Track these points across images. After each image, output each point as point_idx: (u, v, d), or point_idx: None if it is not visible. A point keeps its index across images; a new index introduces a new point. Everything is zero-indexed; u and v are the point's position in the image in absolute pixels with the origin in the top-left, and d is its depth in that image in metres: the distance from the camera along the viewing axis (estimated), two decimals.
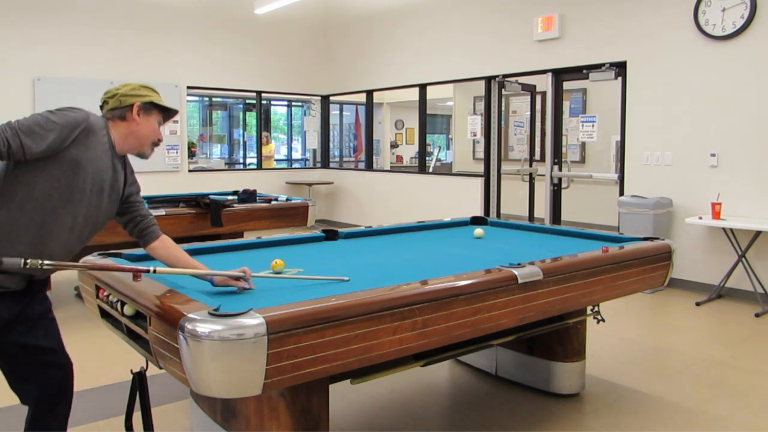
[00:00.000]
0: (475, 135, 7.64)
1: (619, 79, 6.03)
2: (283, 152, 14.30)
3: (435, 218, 4.21)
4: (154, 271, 2.02)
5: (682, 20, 5.52)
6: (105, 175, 2.04)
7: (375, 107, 9.89)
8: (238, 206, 4.87)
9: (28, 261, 1.80)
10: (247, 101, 13.12)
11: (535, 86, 7.23)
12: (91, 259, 2.44)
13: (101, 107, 2.13)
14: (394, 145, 15.02)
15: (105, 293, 2.18)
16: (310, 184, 9.50)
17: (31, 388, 2.07)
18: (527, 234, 3.61)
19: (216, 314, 1.64)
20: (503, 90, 7.21)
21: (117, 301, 2.07)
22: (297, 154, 14.23)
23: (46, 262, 1.84)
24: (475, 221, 3.97)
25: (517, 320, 2.36)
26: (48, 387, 2.09)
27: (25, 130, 1.80)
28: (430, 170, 11.00)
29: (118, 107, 2.09)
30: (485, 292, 2.18)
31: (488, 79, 7.31)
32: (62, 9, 7.40)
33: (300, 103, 13.48)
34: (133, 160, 2.20)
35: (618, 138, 6.22)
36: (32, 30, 7.20)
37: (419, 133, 8.89)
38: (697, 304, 5.14)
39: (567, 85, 6.82)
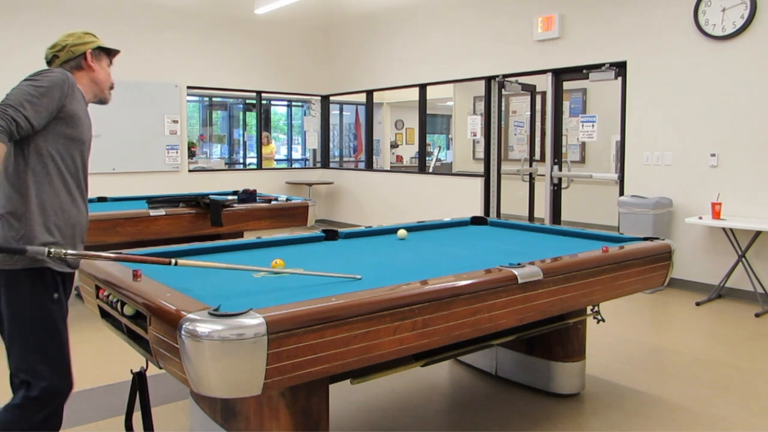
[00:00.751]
0: (475, 135, 7.64)
1: (619, 79, 6.03)
2: (283, 152, 14.30)
3: (435, 218, 4.21)
4: (176, 263, 2.02)
5: (682, 20, 5.52)
6: (90, 128, 2.09)
7: (375, 107, 9.89)
8: (238, 206, 4.87)
9: (52, 250, 1.81)
10: (247, 101, 13.11)
11: (535, 86, 7.23)
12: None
13: (49, 63, 2.10)
14: (394, 145, 15.02)
15: (105, 293, 2.18)
16: (310, 184, 9.50)
17: None
18: (527, 234, 3.61)
19: (216, 314, 1.64)
20: (503, 90, 7.21)
21: (117, 301, 2.07)
22: (297, 154, 14.23)
23: (69, 252, 1.85)
24: (475, 221, 3.97)
25: (517, 320, 2.36)
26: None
27: (21, 103, 1.82)
28: (430, 170, 11.00)
29: (71, 58, 2.09)
30: (485, 292, 2.18)
31: (488, 79, 7.31)
32: (61, 8, 7.40)
33: (300, 103, 13.48)
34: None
35: (618, 138, 6.22)
36: (31, 29, 7.20)
37: (419, 133, 8.89)
38: (697, 304, 5.14)
39: (567, 85, 6.82)
